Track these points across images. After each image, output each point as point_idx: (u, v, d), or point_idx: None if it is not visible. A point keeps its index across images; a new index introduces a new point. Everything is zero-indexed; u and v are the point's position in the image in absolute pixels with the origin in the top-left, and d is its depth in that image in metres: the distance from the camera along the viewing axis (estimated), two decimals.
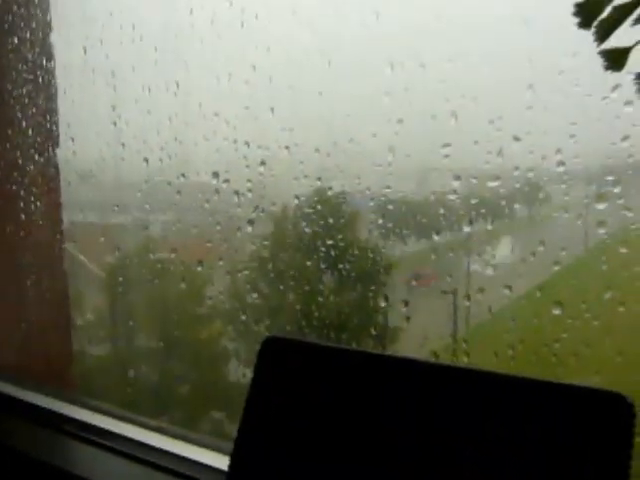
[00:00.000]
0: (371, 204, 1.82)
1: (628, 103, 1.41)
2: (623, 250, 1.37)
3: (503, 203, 1.62)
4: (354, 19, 1.78)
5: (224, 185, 1.95)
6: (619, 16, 1.14)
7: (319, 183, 1.82)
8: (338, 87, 1.78)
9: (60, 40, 2.34)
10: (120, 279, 2.58)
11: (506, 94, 1.60)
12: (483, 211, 1.63)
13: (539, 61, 1.50)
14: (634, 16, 1.17)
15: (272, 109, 1.85)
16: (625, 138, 1.41)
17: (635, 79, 1.17)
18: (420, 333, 1.90)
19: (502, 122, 1.55)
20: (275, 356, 0.90)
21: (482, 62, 1.55)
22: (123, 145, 2.23)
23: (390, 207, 1.80)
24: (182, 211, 2.18)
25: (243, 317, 2.34)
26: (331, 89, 1.77)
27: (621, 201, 1.43)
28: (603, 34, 1.16)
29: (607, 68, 1.16)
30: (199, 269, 2.15)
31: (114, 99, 2.25)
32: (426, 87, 1.66)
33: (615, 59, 1.16)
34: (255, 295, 2.16)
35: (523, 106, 1.50)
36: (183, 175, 2.09)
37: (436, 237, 1.69)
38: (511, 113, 1.56)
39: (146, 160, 2.18)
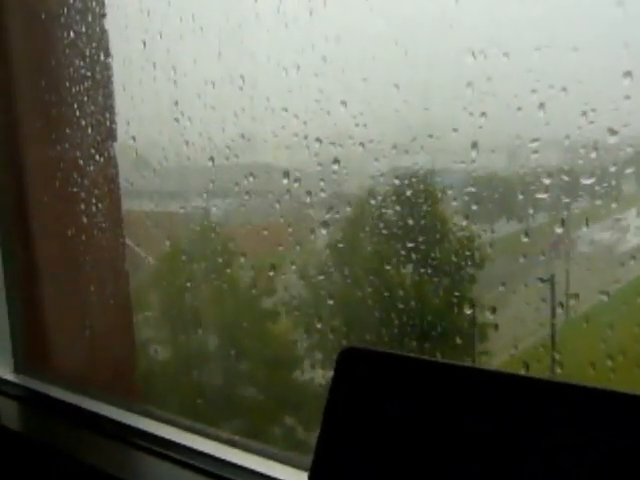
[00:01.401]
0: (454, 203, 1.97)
1: None
2: None
3: (599, 202, 1.74)
4: (431, 4, 1.93)
5: (295, 184, 2.14)
6: None
7: (397, 182, 1.97)
8: (415, 78, 1.93)
9: (118, 34, 2.58)
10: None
11: (600, 83, 1.71)
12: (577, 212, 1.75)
13: (637, 46, 1.60)
14: None
15: (345, 103, 2.02)
16: None
17: None
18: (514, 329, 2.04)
19: (596, 114, 1.67)
20: (353, 367, 0.99)
21: (572, 49, 1.67)
22: (187, 143, 2.46)
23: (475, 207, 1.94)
24: (250, 212, 2.38)
25: (318, 325, 2.53)
26: (408, 81, 1.92)
27: None
28: None
29: None
30: (270, 274, 2.36)
31: (176, 94, 2.48)
32: (511, 77, 1.80)
33: None
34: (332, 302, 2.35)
35: (620, 96, 1.61)
36: (252, 175, 2.29)
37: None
38: (606, 104, 1.68)
39: (212, 159, 2.40)
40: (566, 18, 1.74)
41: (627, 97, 1.64)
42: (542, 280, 2.75)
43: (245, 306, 2.89)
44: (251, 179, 2.30)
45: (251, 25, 2.25)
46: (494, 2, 1.83)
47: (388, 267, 2.16)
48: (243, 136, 2.30)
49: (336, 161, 2.05)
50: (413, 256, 2.12)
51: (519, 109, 1.81)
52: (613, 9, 1.63)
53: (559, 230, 1.80)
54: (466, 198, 1.92)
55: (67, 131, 2.78)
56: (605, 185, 1.74)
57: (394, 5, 1.92)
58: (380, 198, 2.10)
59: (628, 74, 1.58)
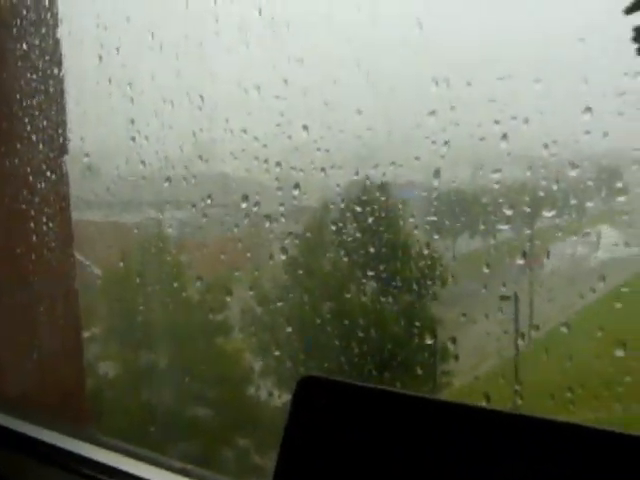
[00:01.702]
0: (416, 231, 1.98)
1: None
2: None
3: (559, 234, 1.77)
4: (394, 29, 1.94)
5: (255, 209, 2.12)
6: None
7: (358, 209, 1.97)
8: (378, 104, 1.94)
9: (72, 47, 2.53)
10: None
11: (562, 117, 1.74)
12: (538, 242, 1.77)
13: (596, 82, 1.63)
14: None
15: (306, 127, 2.01)
16: None
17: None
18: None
19: (558, 147, 1.69)
20: (311, 396, 0.99)
21: (535, 81, 1.70)
22: (143, 163, 2.42)
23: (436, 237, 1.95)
24: (208, 235, 2.36)
25: (276, 352, 2.52)
26: (371, 106, 1.92)
27: None
28: None
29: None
30: (228, 299, 2.33)
31: (132, 112, 2.44)
32: (474, 106, 1.82)
33: None
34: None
35: (581, 130, 1.64)
36: (209, 197, 2.27)
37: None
38: (568, 137, 1.70)
39: (169, 179, 2.37)
40: (529, 50, 1.77)
41: (587, 132, 1.67)
42: (505, 298, 2.76)
43: (198, 327, 2.85)
44: (209, 201, 2.28)
45: (211, 44, 2.23)
46: (458, 30, 1.86)
47: (348, 294, 2.17)
48: (201, 157, 2.28)
49: (297, 186, 2.04)
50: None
51: (482, 139, 1.83)
52: (575, 44, 1.66)
53: (520, 262, 1.82)
54: (427, 227, 1.93)
55: (17, 146, 2.70)
56: (566, 217, 1.77)
57: (357, 29, 1.93)
58: (341, 225, 2.10)
59: (588, 110, 1.61)
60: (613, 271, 1.76)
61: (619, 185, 1.63)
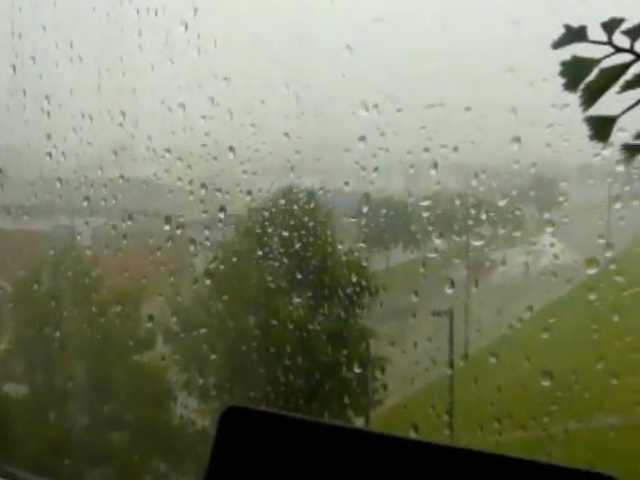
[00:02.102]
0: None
1: (620, 162, 1.59)
2: None
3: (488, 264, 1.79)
4: (324, 51, 1.93)
5: (178, 232, 2.07)
6: (606, 80, 1.29)
7: (286, 234, 1.95)
8: (307, 127, 1.92)
9: None
10: None
11: (491, 145, 1.76)
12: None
13: (525, 111, 1.66)
14: (621, 82, 1.33)
15: (233, 149, 1.98)
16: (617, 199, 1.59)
17: (622, 149, 1.33)
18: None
19: (487, 176, 1.70)
20: (235, 427, 0.93)
21: (465, 109, 1.71)
22: (60, 180, 2.33)
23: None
24: (129, 257, 2.29)
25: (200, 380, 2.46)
26: (299, 129, 1.91)
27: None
28: (589, 99, 1.30)
29: (592, 138, 1.31)
30: (149, 325, 2.27)
31: (49, 126, 2.35)
32: (404, 133, 1.82)
33: (600, 129, 1.31)
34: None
35: (510, 160, 1.66)
36: (130, 217, 2.20)
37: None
38: (498, 166, 1.72)
39: (87, 199, 2.29)
40: (456, 77, 1.79)
41: (516, 162, 1.69)
42: (438, 314, 2.78)
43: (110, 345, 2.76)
44: (129, 222, 2.21)
45: (134, 58, 2.17)
46: (389, 55, 1.86)
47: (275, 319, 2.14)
48: (122, 177, 2.21)
49: (222, 209, 2.00)
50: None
51: (412, 166, 1.84)
52: (502, 74, 1.68)
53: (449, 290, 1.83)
54: (356, 254, 1.92)
55: None
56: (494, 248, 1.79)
57: (287, 49, 1.92)
58: (267, 249, 2.07)
59: (517, 140, 1.64)
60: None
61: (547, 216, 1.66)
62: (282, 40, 1.90)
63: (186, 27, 2.05)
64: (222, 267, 2.04)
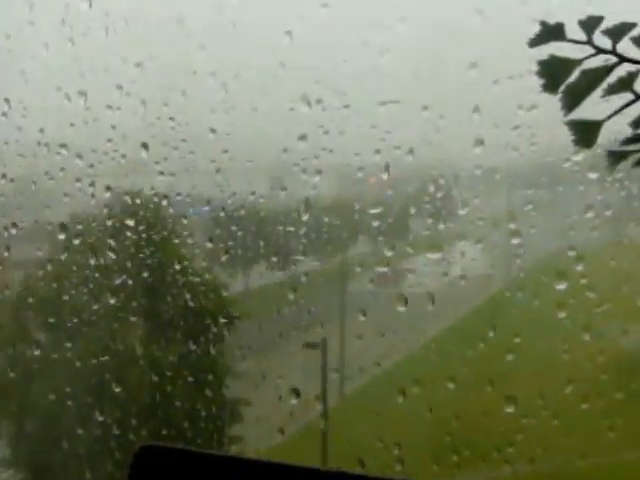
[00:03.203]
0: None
1: (593, 168, 1.54)
2: None
3: None
4: (260, 38, 1.79)
5: (76, 241, 1.84)
6: (588, 83, 1.24)
7: (211, 245, 1.77)
8: (237, 122, 1.77)
9: None
10: None
11: (451, 148, 1.68)
12: None
13: (488, 111, 1.59)
14: (604, 85, 1.27)
15: (146, 146, 1.78)
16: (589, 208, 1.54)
17: (607, 155, 1.27)
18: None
19: (445, 181, 1.62)
20: (150, 466, 0.98)
21: (422, 107, 1.62)
22: None
23: None
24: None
25: None
26: (228, 124, 1.75)
27: None
28: (571, 102, 1.24)
29: (576, 143, 1.25)
30: None
31: None
32: (353, 133, 1.71)
33: (585, 134, 1.24)
34: None
35: (472, 165, 1.58)
36: (14, 225, 1.93)
37: None
38: (459, 172, 1.65)
39: None
40: (416, 73, 1.70)
41: (479, 166, 1.62)
42: (311, 346, 2.68)
43: None
44: (13, 231, 1.94)
45: (25, 36, 1.92)
46: (333, 45, 1.74)
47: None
48: (5, 176, 1.95)
49: (134, 215, 1.79)
50: None
51: (360, 169, 1.73)
52: (465, 71, 1.61)
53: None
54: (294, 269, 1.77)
55: None
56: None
57: (215, 33, 1.75)
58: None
59: (480, 142, 1.56)
60: None
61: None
62: (210, 22, 1.74)
63: (90, 4, 1.84)
64: (130, 282, 1.83)
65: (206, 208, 2.05)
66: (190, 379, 2.22)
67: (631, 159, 1.22)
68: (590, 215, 1.58)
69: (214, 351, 2.39)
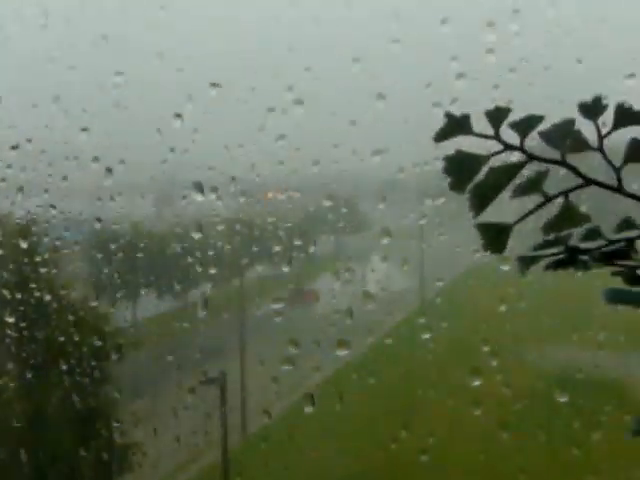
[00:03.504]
0: None
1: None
2: None
3: None
4: (146, 120, 1.69)
5: None
6: (497, 182, 1.22)
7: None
8: (125, 209, 1.65)
9: None
10: None
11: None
12: None
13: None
14: (512, 185, 1.25)
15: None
16: None
17: (517, 261, 1.25)
18: None
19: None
20: None
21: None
22: None
23: None
24: None
25: None
26: (115, 213, 1.63)
27: None
28: (479, 203, 1.22)
29: (485, 248, 1.22)
30: None
31: None
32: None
33: (494, 239, 1.22)
34: None
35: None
36: None
37: None
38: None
39: None
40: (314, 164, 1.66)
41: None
42: (208, 382, 2.58)
43: None
44: None
45: None
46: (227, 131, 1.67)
47: None
48: None
49: None
50: None
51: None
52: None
53: None
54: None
55: None
56: None
57: (98, 116, 1.62)
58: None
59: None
60: None
61: None
62: (92, 102, 1.61)
63: None
64: None
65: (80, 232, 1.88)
66: (70, 424, 2.06)
67: (542, 262, 1.22)
68: None
69: (99, 391, 2.23)
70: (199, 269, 3.61)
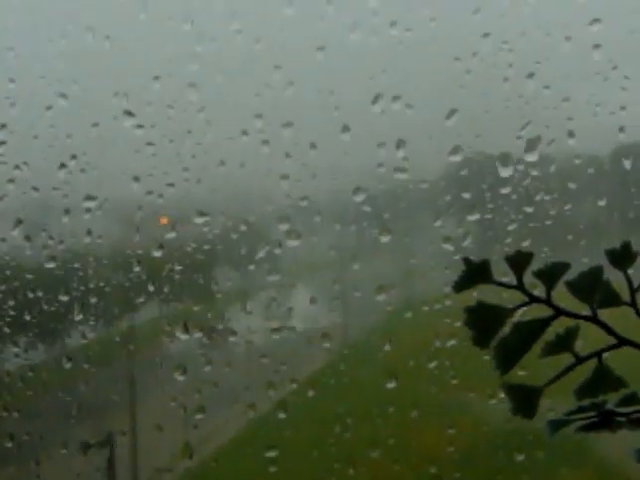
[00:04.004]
0: None
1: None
2: None
3: None
4: None
5: None
6: (523, 338, 1.13)
7: None
8: None
9: None
10: None
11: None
12: None
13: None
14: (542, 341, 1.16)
15: None
16: None
17: (549, 425, 1.18)
18: None
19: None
20: None
21: None
22: None
23: None
24: None
25: None
26: None
27: None
28: (506, 361, 1.12)
29: (514, 413, 1.15)
30: None
31: None
32: None
33: (524, 402, 1.15)
34: None
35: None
36: None
37: None
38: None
39: None
40: None
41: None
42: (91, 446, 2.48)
43: None
44: None
45: None
46: None
47: None
48: None
49: None
50: None
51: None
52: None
53: None
54: None
55: None
56: None
57: None
58: None
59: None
60: None
61: None
62: None
63: None
64: None
65: None
66: None
67: (572, 426, 1.16)
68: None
69: None
70: (75, 310, 3.34)
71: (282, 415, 3.70)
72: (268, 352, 3.85)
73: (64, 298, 2.98)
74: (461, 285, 1.15)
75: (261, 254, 3.53)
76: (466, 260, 1.14)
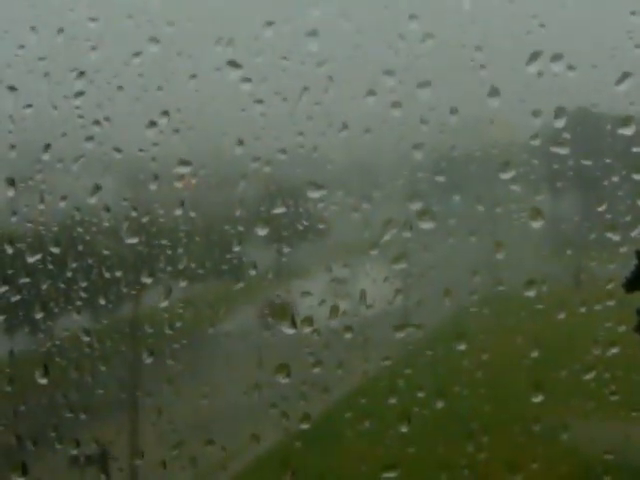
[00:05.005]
0: None
1: None
2: None
3: None
4: None
5: None
6: None
7: None
8: None
9: None
10: None
11: None
12: None
13: None
14: None
15: None
16: None
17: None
18: None
19: None
20: None
21: None
22: None
23: None
24: None
25: None
26: None
27: None
28: None
29: None
30: None
31: None
32: None
33: None
34: None
35: None
36: None
37: None
38: None
39: None
40: None
41: None
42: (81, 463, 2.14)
43: None
44: None
45: None
46: None
47: None
48: None
49: None
50: None
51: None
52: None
53: None
54: None
55: None
56: None
57: None
58: None
59: None
60: None
61: None
62: None
63: None
64: None
65: None
66: None
67: None
68: None
69: None
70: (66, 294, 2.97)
71: (404, 429, 3.29)
72: (391, 354, 3.43)
73: (147, 280, 2.59)
74: (634, 283, 1.06)
75: (387, 237, 3.06)
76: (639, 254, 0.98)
